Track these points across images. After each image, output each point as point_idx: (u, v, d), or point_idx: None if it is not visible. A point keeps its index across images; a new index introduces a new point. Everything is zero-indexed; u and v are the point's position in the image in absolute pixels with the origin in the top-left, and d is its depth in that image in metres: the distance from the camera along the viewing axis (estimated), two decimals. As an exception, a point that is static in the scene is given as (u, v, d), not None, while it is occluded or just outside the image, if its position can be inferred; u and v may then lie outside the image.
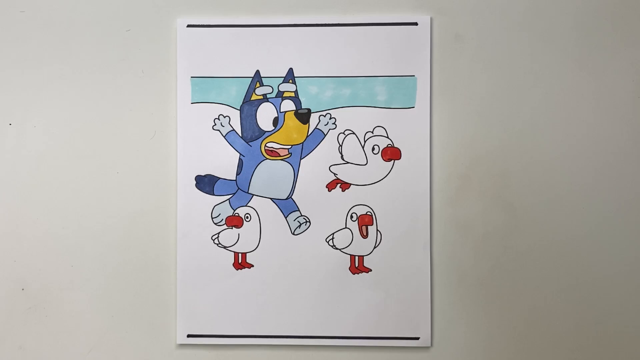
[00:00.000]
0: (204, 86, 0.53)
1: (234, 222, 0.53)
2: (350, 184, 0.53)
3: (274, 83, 0.53)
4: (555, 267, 0.52)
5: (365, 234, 0.53)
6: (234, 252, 0.53)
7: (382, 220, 0.53)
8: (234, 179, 0.53)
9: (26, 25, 0.53)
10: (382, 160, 0.53)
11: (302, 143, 0.53)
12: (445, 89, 0.52)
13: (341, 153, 0.53)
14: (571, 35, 0.52)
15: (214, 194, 0.53)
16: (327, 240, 0.52)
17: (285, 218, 0.52)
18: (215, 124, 0.53)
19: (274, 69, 0.52)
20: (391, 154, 0.52)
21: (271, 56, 0.52)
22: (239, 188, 0.53)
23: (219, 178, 0.53)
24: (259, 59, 0.52)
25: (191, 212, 0.53)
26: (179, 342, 0.53)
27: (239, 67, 0.53)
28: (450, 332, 0.52)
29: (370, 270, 0.52)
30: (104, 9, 0.53)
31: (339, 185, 0.53)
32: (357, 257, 0.52)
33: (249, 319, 0.53)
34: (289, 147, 0.53)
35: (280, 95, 0.53)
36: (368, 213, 0.53)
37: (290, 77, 0.52)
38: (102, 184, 0.53)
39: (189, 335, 0.53)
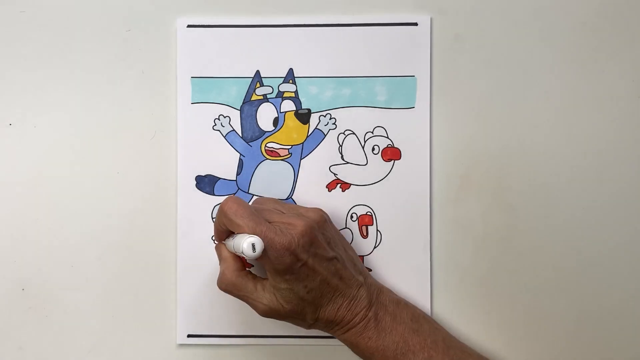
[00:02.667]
0: (204, 86, 0.53)
1: (234, 222, 0.52)
2: (350, 184, 0.53)
3: (274, 83, 0.53)
4: (555, 267, 0.52)
5: (365, 234, 0.53)
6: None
7: (382, 220, 0.53)
8: (234, 179, 0.53)
9: (26, 25, 0.53)
10: (382, 160, 0.53)
11: (302, 143, 0.53)
12: (445, 89, 0.52)
13: (341, 153, 0.53)
14: (571, 35, 0.52)
15: (214, 194, 0.53)
16: (327, 240, 0.52)
17: (286, 218, 0.52)
18: (216, 124, 0.53)
19: (274, 69, 0.53)
20: (391, 154, 0.52)
21: (271, 56, 0.52)
22: (239, 188, 0.53)
23: (219, 178, 0.53)
24: (259, 59, 0.53)
25: (191, 212, 0.53)
26: (179, 342, 0.53)
27: (239, 67, 0.53)
28: (450, 332, 0.52)
29: (371, 270, 0.52)
30: (104, 9, 0.53)
31: (339, 185, 0.53)
32: (357, 257, 0.52)
33: (249, 319, 0.53)
34: (289, 147, 0.53)
35: (281, 95, 0.53)
36: (368, 213, 0.53)
37: (290, 77, 0.52)
38: (102, 184, 0.53)
39: (189, 335, 0.53)
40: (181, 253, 0.53)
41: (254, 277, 0.47)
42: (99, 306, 0.54)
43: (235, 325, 0.53)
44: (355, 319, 0.46)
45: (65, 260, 0.54)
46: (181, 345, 0.53)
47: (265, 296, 0.45)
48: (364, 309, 0.46)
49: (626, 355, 0.52)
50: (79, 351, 0.54)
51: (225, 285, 0.47)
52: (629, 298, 0.52)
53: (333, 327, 0.47)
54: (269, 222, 0.45)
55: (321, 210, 0.49)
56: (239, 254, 0.43)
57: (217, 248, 0.50)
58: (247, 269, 0.50)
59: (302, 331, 0.52)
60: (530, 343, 0.53)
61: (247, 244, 0.41)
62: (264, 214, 0.46)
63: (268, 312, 0.46)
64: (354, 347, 0.47)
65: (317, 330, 0.51)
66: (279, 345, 0.53)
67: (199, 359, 0.53)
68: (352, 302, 0.46)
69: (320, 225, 0.47)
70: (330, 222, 0.49)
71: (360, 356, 0.48)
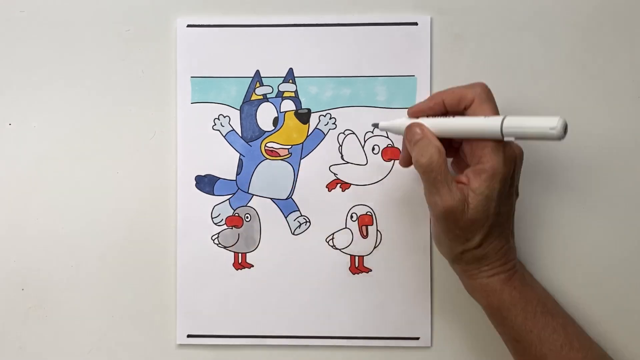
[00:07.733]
0: (204, 86, 0.53)
1: (234, 222, 0.53)
2: (350, 184, 0.53)
3: (274, 83, 0.53)
4: (555, 267, 0.52)
5: (365, 234, 0.53)
6: (234, 252, 0.53)
7: (382, 220, 0.53)
8: (234, 179, 0.53)
9: (26, 25, 0.53)
10: (382, 160, 0.53)
11: (302, 143, 0.53)
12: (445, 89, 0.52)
13: (341, 153, 0.53)
14: (571, 35, 0.52)
15: (214, 194, 0.53)
16: (327, 240, 0.52)
17: (285, 218, 0.53)
18: (215, 124, 0.53)
19: (274, 69, 0.52)
20: (391, 154, 0.52)
21: (271, 56, 0.52)
22: (239, 188, 0.53)
23: (219, 178, 0.53)
24: (259, 59, 0.52)
25: (191, 212, 0.53)
26: (179, 342, 0.53)
27: (239, 67, 0.53)
28: (450, 332, 0.52)
29: (370, 270, 0.52)
30: (104, 9, 0.53)
31: (339, 185, 0.53)
32: (357, 257, 0.52)
33: (249, 319, 0.53)
34: (289, 147, 0.53)
35: (280, 95, 0.53)
36: (368, 213, 0.53)
37: (290, 77, 0.52)
38: (102, 184, 0.53)
39: (189, 335, 0.53)
40: (181, 253, 0.53)
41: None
42: (99, 306, 0.54)
43: (235, 325, 0.53)
44: (509, 264, 0.46)
45: (65, 260, 0.54)
46: (181, 345, 0.53)
47: (457, 193, 0.42)
48: (514, 259, 0.47)
49: (626, 355, 0.52)
50: (79, 351, 0.54)
51: (431, 161, 0.42)
52: (630, 298, 0.52)
53: (483, 265, 0.45)
54: None
55: None
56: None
57: (411, 127, 0.45)
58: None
59: (302, 331, 0.52)
60: (531, 343, 0.52)
61: (561, 123, 0.39)
62: None
63: (449, 210, 0.42)
64: (494, 295, 0.46)
65: (316, 330, 0.51)
66: (279, 345, 0.53)
67: (198, 359, 0.53)
68: (510, 249, 0.46)
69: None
70: None
71: (495, 308, 0.46)
